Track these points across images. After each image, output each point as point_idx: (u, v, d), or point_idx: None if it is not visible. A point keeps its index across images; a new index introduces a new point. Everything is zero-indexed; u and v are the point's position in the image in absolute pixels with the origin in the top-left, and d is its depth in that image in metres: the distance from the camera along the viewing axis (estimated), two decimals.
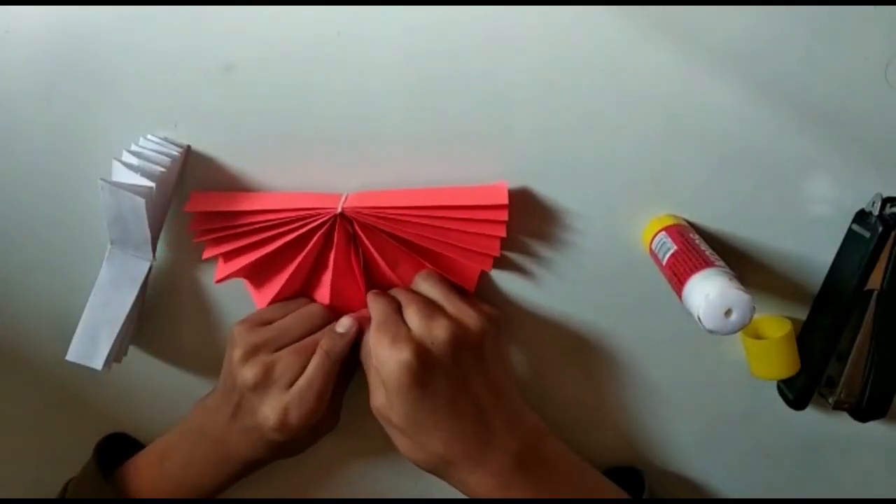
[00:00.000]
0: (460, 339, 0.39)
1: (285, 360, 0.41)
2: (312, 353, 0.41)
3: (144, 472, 0.44)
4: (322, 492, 0.52)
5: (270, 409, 0.40)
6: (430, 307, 0.41)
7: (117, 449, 0.47)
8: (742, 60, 0.39)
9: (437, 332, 0.39)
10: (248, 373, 0.40)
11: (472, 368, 0.40)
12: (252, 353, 0.41)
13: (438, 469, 0.40)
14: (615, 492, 0.43)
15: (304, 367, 0.41)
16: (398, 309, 0.41)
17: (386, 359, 0.38)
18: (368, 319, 0.42)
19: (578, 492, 0.41)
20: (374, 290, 0.44)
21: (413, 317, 0.40)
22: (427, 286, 0.43)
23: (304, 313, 0.44)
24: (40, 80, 0.42)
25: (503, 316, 0.44)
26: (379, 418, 0.41)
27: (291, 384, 0.41)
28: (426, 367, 0.38)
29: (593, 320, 0.46)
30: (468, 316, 0.40)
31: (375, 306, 0.42)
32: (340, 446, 0.50)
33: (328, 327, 0.43)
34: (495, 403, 0.40)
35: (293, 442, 0.42)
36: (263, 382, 0.40)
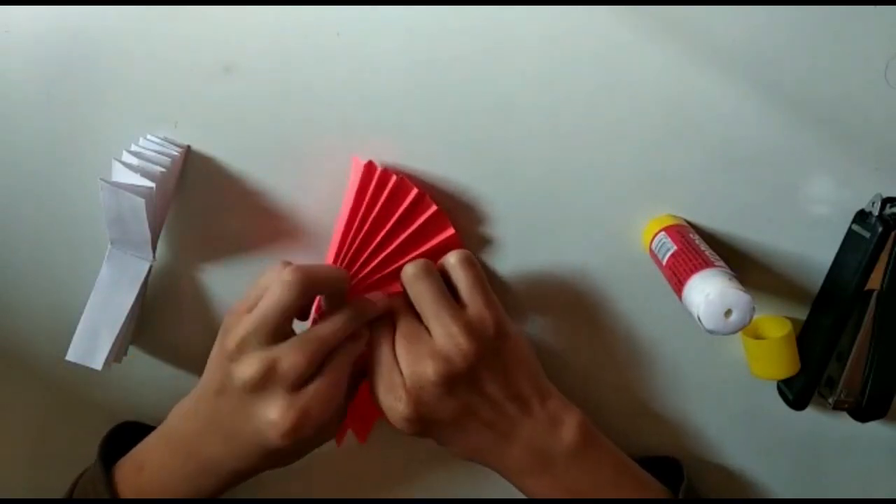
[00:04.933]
0: (450, 375, 0.38)
1: (290, 358, 0.36)
2: (316, 349, 0.37)
3: (127, 480, 0.41)
4: (331, 476, 0.52)
5: (279, 413, 0.36)
6: (417, 340, 0.39)
7: (131, 436, 0.44)
8: (742, 60, 0.40)
9: (424, 376, 0.38)
10: (247, 370, 0.36)
11: (471, 391, 0.39)
12: (245, 344, 0.36)
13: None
14: (652, 483, 0.43)
15: (310, 365, 0.36)
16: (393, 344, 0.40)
17: (385, 408, 0.39)
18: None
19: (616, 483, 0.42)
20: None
21: (401, 358, 0.39)
22: (417, 293, 0.39)
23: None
24: (40, 79, 0.42)
25: (504, 321, 0.40)
26: None
27: (296, 385, 0.36)
28: (422, 412, 0.38)
29: (592, 320, 0.46)
30: (454, 346, 0.38)
31: (373, 347, 0.41)
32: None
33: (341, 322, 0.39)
34: (512, 409, 0.40)
35: (292, 451, 0.39)
36: (264, 382, 0.36)
